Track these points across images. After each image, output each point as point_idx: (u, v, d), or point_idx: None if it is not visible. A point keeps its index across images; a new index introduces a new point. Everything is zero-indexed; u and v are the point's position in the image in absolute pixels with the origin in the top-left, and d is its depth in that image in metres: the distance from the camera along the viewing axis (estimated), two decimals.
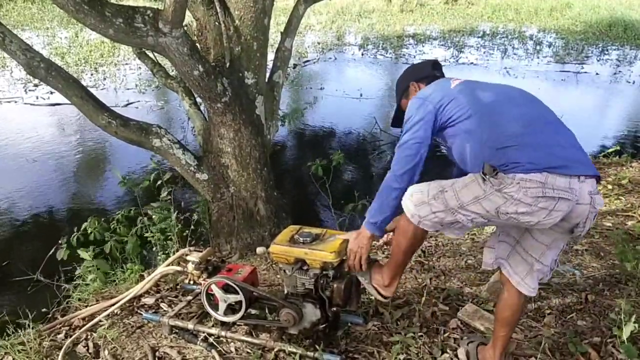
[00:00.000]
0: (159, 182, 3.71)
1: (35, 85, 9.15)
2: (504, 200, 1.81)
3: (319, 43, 13.62)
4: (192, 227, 3.63)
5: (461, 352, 2.39)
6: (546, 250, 2.00)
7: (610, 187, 4.48)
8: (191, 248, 2.92)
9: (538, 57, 12.55)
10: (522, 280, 2.06)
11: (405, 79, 2.34)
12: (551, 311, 2.73)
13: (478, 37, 14.84)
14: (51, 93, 8.58)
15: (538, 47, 13.63)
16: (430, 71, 2.29)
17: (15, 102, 8.55)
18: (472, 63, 11.86)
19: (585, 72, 11.18)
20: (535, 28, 16.25)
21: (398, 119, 2.29)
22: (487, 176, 1.83)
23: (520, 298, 2.09)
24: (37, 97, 8.68)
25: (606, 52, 13.16)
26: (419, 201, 1.97)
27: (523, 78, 10.51)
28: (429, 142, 2.01)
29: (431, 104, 2.00)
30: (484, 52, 12.96)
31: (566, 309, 2.76)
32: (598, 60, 12.34)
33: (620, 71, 11.37)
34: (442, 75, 2.30)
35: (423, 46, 13.53)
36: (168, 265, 3.00)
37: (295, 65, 11.10)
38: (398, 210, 2.07)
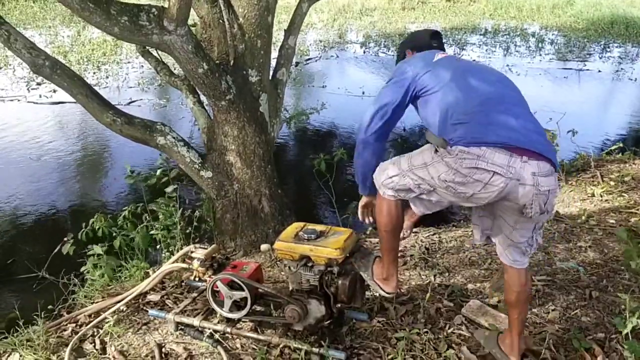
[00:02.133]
0: (165, 179, 3.72)
1: (38, 84, 9.17)
2: (445, 169, 1.91)
3: (320, 41, 13.62)
4: (197, 224, 3.65)
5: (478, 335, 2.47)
6: (512, 230, 2.08)
7: (613, 184, 4.48)
8: (196, 245, 2.94)
9: (540, 55, 12.53)
10: (504, 251, 2.16)
11: (404, 44, 2.47)
12: (555, 307, 2.74)
13: (480, 34, 14.82)
14: (54, 91, 8.59)
15: (540, 45, 13.61)
16: (428, 41, 2.38)
17: (19, 100, 8.57)
18: (474, 60, 11.85)
19: (588, 70, 11.16)
20: (537, 25, 16.23)
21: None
22: (439, 147, 1.94)
23: (517, 276, 2.17)
24: (40, 96, 8.70)
25: (608, 50, 13.13)
26: (380, 169, 2.15)
27: (525, 75, 10.51)
28: (398, 103, 2.11)
29: (410, 72, 2.11)
30: (486, 50, 12.94)
31: (570, 305, 2.77)
32: (600, 58, 12.32)
33: (622, 68, 11.35)
34: (440, 46, 2.38)
35: None
36: (173, 262, 3.02)
37: (297, 63, 11.09)
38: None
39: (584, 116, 7.97)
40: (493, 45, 13.48)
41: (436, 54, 2.18)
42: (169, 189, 3.63)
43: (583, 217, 3.86)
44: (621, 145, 5.42)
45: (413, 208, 2.19)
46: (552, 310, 2.72)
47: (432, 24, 16.22)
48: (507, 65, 11.24)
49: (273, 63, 3.94)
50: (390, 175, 2.09)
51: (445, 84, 2.03)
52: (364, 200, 2.46)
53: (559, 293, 2.88)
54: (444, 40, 2.48)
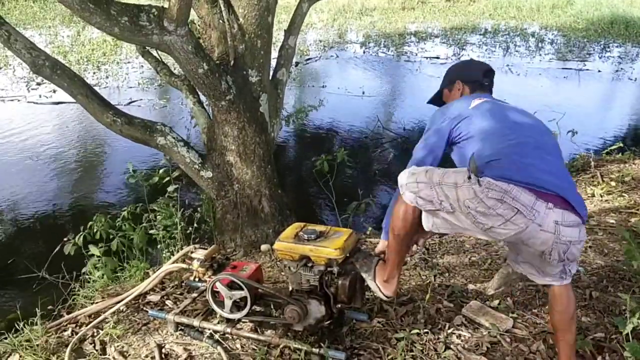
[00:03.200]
0: (167, 179, 3.72)
1: (38, 84, 9.17)
2: (472, 196, 1.90)
3: (320, 41, 13.62)
4: (197, 224, 3.65)
5: None
6: (540, 265, 2.07)
7: (613, 184, 4.48)
8: (196, 245, 2.94)
9: (540, 55, 12.53)
10: (538, 275, 2.13)
11: (457, 73, 2.49)
12: None
13: (480, 34, 14.82)
14: (54, 91, 8.59)
15: (540, 45, 13.61)
16: (480, 77, 2.41)
17: (19, 100, 8.57)
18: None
19: (587, 70, 11.16)
20: (537, 25, 16.23)
21: (435, 100, 2.59)
22: (472, 174, 1.92)
23: (557, 294, 2.12)
24: (40, 96, 8.70)
25: (608, 50, 13.13)
26: (410, 172, 2.11)
27: (525, 76, 10.51)
28: (439, 150, 2.20)
29: (448, 120, 2.19)
30: (486, 50, 12.94)
31: None
32: (600, 58, 12.32)
33: (622, 68, 11.35)
34: (490, 85, 2.44)
35: (425, 44, 13.52)
36: (173, 262, 3.01)
37: (297, 63, 11.09)
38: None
39: (583, 116, 7.96)
40: (493, 45, 13.47)
41: (473, 100, 2.22)
42: (170, 189, 3.63)
43: None
44: (621, 145, 5.42)
45: (424, 222, 2.12)
46: None
47: (431, 23, 16.23)
48: (507, 65, 11.24)
49: (273, 63, 3.94)
50: (419, 181, 2.06)
51: (479, 131, 2.09)
52: (381, 246, 2.46)
53: None
54: (493, 78, 2.49)
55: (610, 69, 11.29)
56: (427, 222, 2.12)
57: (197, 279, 2.94)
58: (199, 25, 3.70)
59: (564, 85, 10.16)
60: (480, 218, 1.90)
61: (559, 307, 2.12)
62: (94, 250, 3.27)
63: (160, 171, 3.71)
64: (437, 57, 12.10)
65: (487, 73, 2.43)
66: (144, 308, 2.94)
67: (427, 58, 12.02)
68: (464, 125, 2.13)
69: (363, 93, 9.09)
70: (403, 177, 2.11)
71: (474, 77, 2.41)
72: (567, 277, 2.08)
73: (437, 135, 2.20)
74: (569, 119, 6.63)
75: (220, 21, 3.47)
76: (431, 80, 10.24)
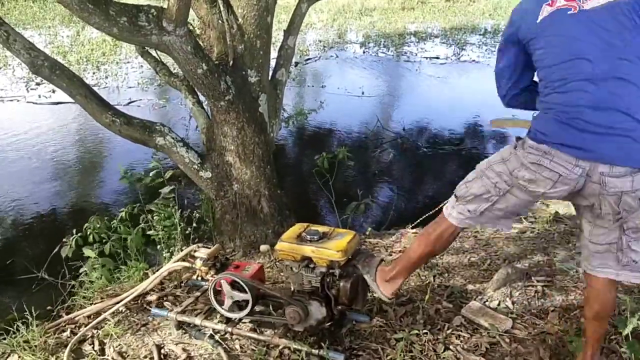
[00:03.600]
0: (161, 180, 3.71)
1: (37, 84, 9.16)
2: (518, 163, 1.86)
3: (320, 41, 13.61)
4: (196, 225, 3.64)
5: None
6: (592, 228, 1.93)
7: None
8: (199, 245, 2.94)
9: None
10: (587, 258, 2.01)
11: None
12: (555, 308, 2.74)
13: (479, 34, 14.82)
14: (53, 92, 8.58)
15: None
16: None
17: (18, 100, 8.57)
18: (473, 60, 11.85)
19: None
20: None
21: None
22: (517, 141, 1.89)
23: (598, 286, 2.03)
24: (39, 96, 8.70)
25: None
26: (459, 185, 2.07)
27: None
28: (515, 66, 2.07)
29: (514, 18, 1.99)
30: (486, 50, 12.94)
31: (570, 306, 2.76)
32: None
33: None
34: None
35: (424, 44, 13.52)
36: (177, 261, 3.01)
37: (297, 64, 11.09)
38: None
39: None
40: (493, 45, 13.45)
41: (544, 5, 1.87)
42: (165, 190, 3.62)
43: None
44: None
45: (469, 224, 2.08)
46: (552, 311, 2.71)
47: (431, 23, 16.23)
48: None
49: (272, 63, 3.94)
50: (469, 180, 2.02)
51: (544, 59, 1.87)
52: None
53: (558, 294, 2.87)
54: None
55: None
56: (489, 225, 2.10)
57: (199, 278, 2.94)
58: (198, 26, 3.70)
59: None
60: (531, 186, 1.84)
61: (597, 301, 2.05)
62: (88, 252, 3.26)
63: (151, 173, 3.67)
64: (437, 57, 12.10)
65: None
66: (145, 308, 2.94)
67: (426, 58, 12.02)
68: (534, 43, 1.90)
69: (363, 93, 9.09)
70: (451, 201, 2.09)
71: None
72: (619, 263, 1.92)
73: (507, 49, 2.07)
74: None
75: (220, 21, 3.47)
76: (431, 80, 10.24)
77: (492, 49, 13.03)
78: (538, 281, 2.98)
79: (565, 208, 4.21)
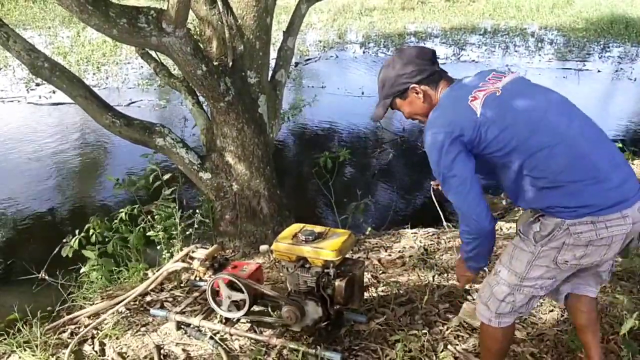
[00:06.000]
0: (158, 182, 3.70)
1: (37, 85, 9.17)
2: (556, 250, 1.75)
3: (320, 41, 13.62)
4: (196, 225, 3.65)
5: None
6: (604, 261, 1.89)
7: None
8: (198, 245, 2.95)
9: (539, 55, 12.53)
10: (580, 283, 2.03)
11: (401, 78, 1.91)
12: (553, 308, 2.75)
13: (479, 34, 14.82)
14: (53, 92, 8.59)
15: (539, 45, 13.61)
16: (430, 68, 1.91)
17: (18, 101, 8.58)
18: (473, 60, 11.85)
19: (587, 70, 11.16)
20: (536, 25, 16.22)
21: (383, 115, 2.06)
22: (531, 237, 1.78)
23: (586, 302, 2.07)
24: (39, 97, 8.71)
25: (608, 49, 13.13)
26: (487, 298, 1.92)
27: (524, 75, 10.49)
28: (473, 172, 1.80)
29: (458, 138, 1.75)
30: (486, 50, 12.94)
31: None
32: (600, 58, 12.32)
33: (621, 68, 11.35)
34: (439, 68, 1.95)
35: (424, 44, 13.51)
36: (176, 261, 3.02)
37: (296, 64, 11.09)
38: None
39: None
40: (492, 45, 13.47)
41: (465, 93, 1.81)
42: (167, 192, 3.63)
43: None
44: (620, 145, 5.42)
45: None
46: (550, 311, 2.72)
47: (431, 24, 16.23)
48: (507, 65, 11.24)
49: (272, 64, 3.95)
50: (502, 299, 1.88)
51: (511, 142, 1.72)
52: (471, 277, 2.08)
53: None
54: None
55: (610, 69, 11.29)
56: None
57: (197, 279, 2.95)
58: (197, 27, 3.71)
59: (564, 85, 10.15)
60: (585, 260, 1.76)
61: (586, 311, 2.07)
62: (88, 253, 3.27)
63: (151, 176, 3.67)
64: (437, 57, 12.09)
65: (433, 58, 1.95)
66: (145, 308, 2.95)
67: None
68: (484, 140, 1.75)
69: (362, 93, 9.09)
70: (484, 311, 1.94)
71: (427, 72, 1.90)
72: (604, 282, 2.07)
73: (458, 163, 1.77)
74: None
75: (219, 22, 3.48)
76: None
77: (492, 49, 13.05)
78: None
79: None
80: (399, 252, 3.56)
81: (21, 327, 2.69)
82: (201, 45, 3.47)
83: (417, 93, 1.91)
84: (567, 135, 1.72)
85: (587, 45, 13.53)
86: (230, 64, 3.50)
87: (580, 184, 1.69)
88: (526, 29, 15.63)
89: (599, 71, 11.01)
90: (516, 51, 12.95)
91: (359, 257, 3.40)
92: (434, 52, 1.96)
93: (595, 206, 1.68)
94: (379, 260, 3.46)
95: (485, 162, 1.82)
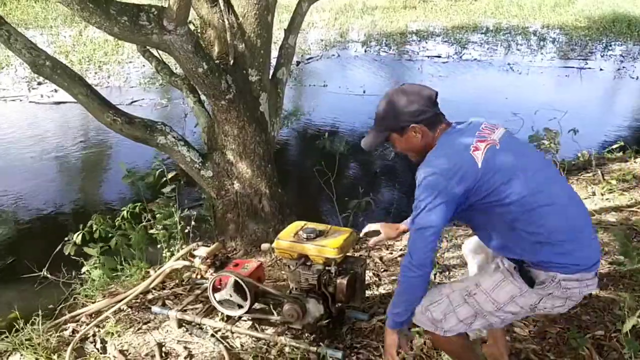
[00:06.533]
0: (163, 179, 3.72)
1: (39, 84, 9.17)
2: (539, 297, 1.81)
3: (321, 40, 13.61)
4: (197, 224, 3.65)
5: None
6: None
7: (614, 182, 4.47)
8: (199, 243, 2.95)
9: (542, 53, 12.51)
10: None
11: (404, 116, 1.93)
12: None
13: (481, 33, 14.79)
14: (55, 91, 8.60)
15: (542, 43, 13.58)
16: (432, 110, 1.94)
17: (20, 100, 8.59)
18: (475, 59, 11.83)
19: (589, 68, 11.14)
20: (538, 24, 16.19)
21: (377, 146, 2.09)
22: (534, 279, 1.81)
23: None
24: (41, 95, 8.71)
25: (610, 48, 13.10)
26: (442, 313, 1.91)
27: (527, 74, 10.49)
28: (446, 223, 1.84)
29: (454, 186, 1.77)
30: (488, 49, 12.92)
31: None
32: (602, 56, 12.29)
33: (624, 67, 11.32)
34: (439, 111, 1.97)
35: (426, 42, 13.50)
36: (177, 259, 3.03)
37: (298, 63, 11.09)
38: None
39: (585, 115, 7.94)
40: (495, 44, 13.45)
41: (466, 144, 1.83)
42: (166, 189, 3.63)
43: None
44: (622, 143, 5.42)
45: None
46: None
47: (433, 22, 16.21)
48: (509, 64, 11.22)
49: (273, 62, 3.94)
50: (462, 319, 1.89)
51: (511, 196, 1.77)
52: (394, 338, 1.98)
53: None
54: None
55: (612, 68, 11.27)
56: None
57: (199, 277, 2.95)
58: (198, 25, 3.71)
59: (566, 83, 10.14)
60: (558, 309, 1.87)
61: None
62: (90, 250, 3.27)
63: (157, 172, 3.69)
64: (439, 56, 12.08)
65: (434, 98, 1.97)
66: (147, 305, 2.95)
67: (428, 57, 12.01)
68: (482, 191, 1.78)
69: (364, 92, 9.08)
70: (434, 322, 1.92)
71: (427, 114, 1.92)
72: None
73: (441, 210, 1.79)
74: (571, 117, 6.59)
75: (220, 20, 3.47)
76: (433, 79, 10.23)
77: (494, 48, 13.03)
78: None
79: None
80: (401, 250, 3.56)
81: (23, 325, 2.69)
82: (202, 43, 3.46)
83: (415, 132, 1.93)
84: (560, 196, 1.84)
85: (589, 43, 13.50)
86: (232, 62, 3.50)
87: (571, 243, 1.78)
88: (528, 27, 15.60)
89: (601, 70, 10.99)
90: (518, 50, 12.93)
91: (360, 255, 3.40)
92: (436, 93, 1.98)
93: (582, 265, 1.77)
94: (381, 259, 3.46)
95: (477, 210, 1.85)
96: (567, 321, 2.61)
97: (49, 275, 3.43)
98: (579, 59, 11.90)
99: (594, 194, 4.38)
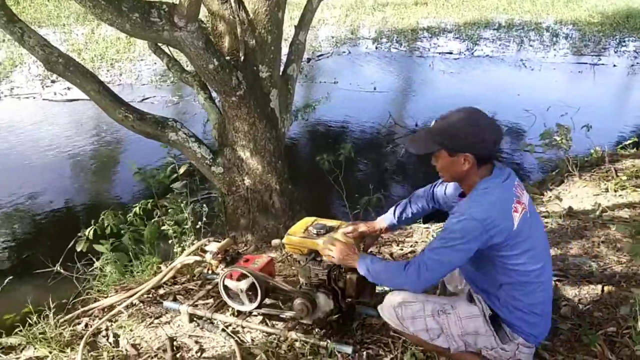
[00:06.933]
0: (175, 175, 3.74)
1: (53, 81, 9.26)
2: (495, 345, 2.01)
3: (332, 37, 13.59)
4: (208, 219, 3.67)
5: None
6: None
7: (627, 178, 4.43)
8: (210, 239, 2.97)
9: (554, 49, 12.41)
10: None
11: (465, 141, 1.89)
12: (567, 303, 2.72)
13: (494, 29, 14.70)
14: (68, 89, 8.67)
15: (555, 39, 13.47)
16: (492, 148, 1.92)
17: (34, 97, 8.67)
18: (487, 55, 11.76)
19: (603, 64, 11.03)
20: (551, 19, 16.06)
21: (417, 150, 2.03)
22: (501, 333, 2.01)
23: None
24: (54, 93, 8.80)
25: (623, 44, 12.96)
26: (412, 314, 2.08)
27: (539, 70, 10.41)
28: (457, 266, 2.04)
29: (488, 238, 1.83)
30: (500, 45, 12.84)
31: (582, 301, 2.75)
32: (615, 52, 12.17)
33: (637, 62, 11.20)
34: (495, 154, 1.97)
35: (437, 39, 13.44)
36: (188, 255, 3.05)
37: (309, 60, 11.10)
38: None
39: (598, 111, 7.87)
40: (507, 40, 13.36)
41: (512, 203, 1.87)
42: (177, 185, 3.66)
43: (597, 212, 3.82)
44: (636, 139, 5.36)
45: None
46: (564, 305, 2.69)
47: (445, 19, 16.13)
48: (521, 60, 11.14)
49: (284, 59, 3.95)
50: (428, 329, 2.06)
51: (526, 261, 1.90)
52: (353, 262, 2.16)
53: (571, 288, 2.86)
54: None
55: (626, 64, 11.16)
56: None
57: (210, 272, 2.97)
58: (209, 22, 3.72)
59: (579, 79, 10.06)
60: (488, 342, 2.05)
61: None
62: (100, 247, 3.30)
63: (168, 169, 3.72)
64: (450, 53, 12.03)
65: (499, 141, 1.95)
66: (157, 301, 2.97)
67: (440, 53, 11.96)
68: (507, 248, 1.87)
69: (375, 89, 9.07)
70: (402, 319, 2.10)
71: (487, 151, 1.92)
72: None
73: (463, 253, 1.87)
74: (584, 113, 6.58)
75: (230, 17, 3.49)
76: (444, 75, 10.19)
77: (506, 44, 12.94)
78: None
79: (579, 203, 4.18)
80: (411, 246, 3.55)
81: (36, 320, 2.72)
82: (213, 40, 3.48)
83: (465, 161, 1.91)
84: (549, 269, 2.05)
85: (602, 39, 13.37)
86: (242, 58, 3.51)
87: (540, 318, 1.99)
88: (541, 23, 15.47)
89: (614, 66, 10.88)
90: (531, 46, 12.83)
91: (370, 251, 3.40)
92: (502, 137, 1.99)
93: (539, 338, 2.04)
94: (391, 255, 3.46)
95: (483, 256, 1.91)
96: (579, 317, 2.60)
97: (62, 271, 3.46)
98: (592, 55, 11.79)
99: (606, 190, 4.34)
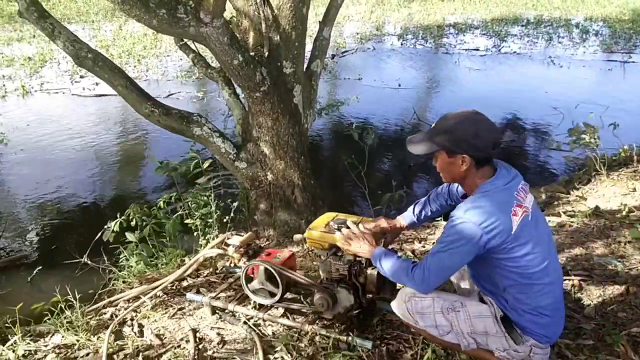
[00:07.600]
0: (198, 170, 3.79)
1: (82, 77, 9.45)
2: (507, 346, 2.01)
3: (357, 33, 13.56)
4: (232, 214, 3.71)
5: None
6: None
7: None
8: (233, 232, 3.00)
9: (584, 46, 12.18)
10: None
11: (464, 143, 1.91)
12: (591, 302, 2.69)
13: (522, 25, 14.49)
14: (96, 84, 8.85)
15: (584, 36, 13.22)
16: (490, 151, 1.93)
17: (63, 92, 8.86)
18: (515, 52, 11.60)
19: (633, 62, 10.79)
20: (581, 16, 15.75)
21: (417, 151, 2.07)
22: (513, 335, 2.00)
23: None
24: (83, 88, 8.98)
25: None
26: (422, 310, 2.10)
27: (568, 68, 10.23)
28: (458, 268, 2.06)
29: (486, 241, 1.85)
30: (528, 41, 12.65)
31: (606, 301, 2.71)
32: None
33: None
34: (494, 156, 1.99)
35: (464, 35, 13.31)
36: (211, 248, 3.09)
37: (333, 56, 11.09)
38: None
39: (627, 109, 7.70)
40: (535, 37, 13.16)
41: (511, 205, 1.88)
42: (201, 180, 3.71)
43: (623, 212, 3.75)
44: None
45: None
46: (588, 305, 2.66)
47: (472, 15, 15.95)
48: (550, 57, 10.96)
49: (308, 55, 3.96)
50: (437, 325, 2.08)
51: (526, 264, 1.91)
52: (366, 252, 2.22)
53: (595, 288, 2.82)
54: None
55: None
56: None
57: (232, 265, 3.01)
58: (234, 18, 3.75)
59: (608, 77, 9.85)
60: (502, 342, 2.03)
61: None
62: (130, 236, 3.37)
63: (192, 164, 3.78)
64: (477, 49, 11.91)
65: (499, 142, 1.98)
66: (181, 292, 3.02)
67: (466, 50, 11.85)
68: (507, 250, 1.89)
69: (399, 85, 9.03)
70: (412, 313, 2.13)
71: (485, 153, 1.93)
72: None
73: (463, 256, 1.92)
74: (612, 111, 6.45)
75: (255, 12, 3.51)
76: (470, 72, 10.09)
77: (534, 40, 12.74)
78: (575, 275, 2.93)
79: (606, 203, 4.11)
80: (433, 243, 3.54)
81: (65, 308, 2.79)
82: (238, 36, 3.51)
83: (463, 162, 1.94)
84: (557, 270, 2.02)
85: (633, 36, 13.06)
86: (266, 54, 3.53)
87: (551, 319, 1.98)
88: (570, 19, 15.20)
89: None
90: (560, 42, 12.62)
91: (392, 248, 3.39)
92: (502, 139, 2.01)
93: (552, 339, 2.03)
94: (413, 252, 3.45)
95: (483, 260, 1.94)
96: (602, 317, 2.56)
97: (89, 262, 3.54)
98: (623, 53, 11.54)
99: (634, 189, 4.25)
